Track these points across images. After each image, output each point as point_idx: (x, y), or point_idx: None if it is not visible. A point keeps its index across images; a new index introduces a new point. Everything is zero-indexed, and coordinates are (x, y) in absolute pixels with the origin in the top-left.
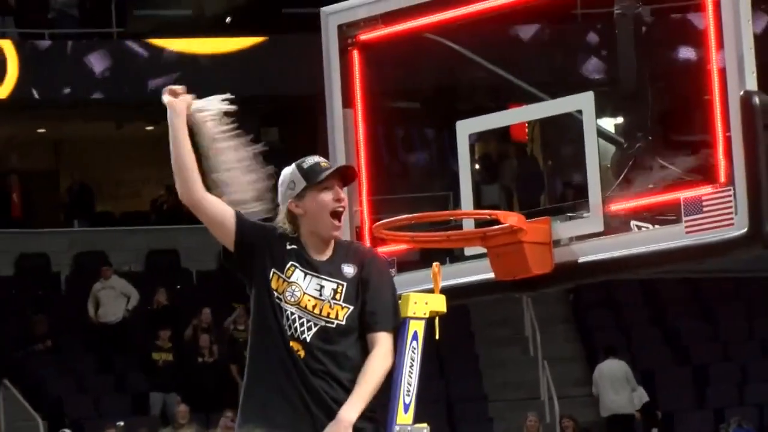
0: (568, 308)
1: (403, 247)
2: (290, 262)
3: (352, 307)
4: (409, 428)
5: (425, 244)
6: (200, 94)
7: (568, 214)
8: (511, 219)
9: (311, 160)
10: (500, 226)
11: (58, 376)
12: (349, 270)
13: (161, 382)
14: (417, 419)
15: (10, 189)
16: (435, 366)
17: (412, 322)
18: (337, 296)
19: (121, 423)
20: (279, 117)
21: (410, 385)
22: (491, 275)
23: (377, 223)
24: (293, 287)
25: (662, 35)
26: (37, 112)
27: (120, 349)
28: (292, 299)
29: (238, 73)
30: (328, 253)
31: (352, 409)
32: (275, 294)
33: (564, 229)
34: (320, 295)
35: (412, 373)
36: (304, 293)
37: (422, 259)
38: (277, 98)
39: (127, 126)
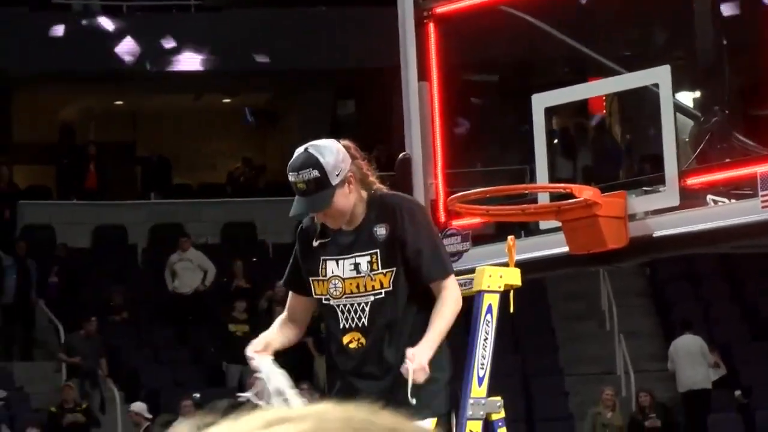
0: (645, 282)
1: (477, 220)
2: (321, 258)
3: (394, 269)
4: (483, 401)
5: (500, 217)
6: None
7: (644, 188)
8: (586, 193)
9: (290, 176)
10: (575, 200)
11: (135, 348)
12: (381, 231)
13: (238, 354)
14: (492, 392)
15: (88, 159)
16: (511, 340)
17: (486, 295)
18: (375, 266)
19: (197, 395)
20: (355, 90)
21: (484, 359)
22: (566, 249)
23: (452, 197)
24: (334, 281)
25: (740, 8)
26: (115, 84)
27: (196, 320)
28: (336, 292)
29: (315, 45)
30: (358, 220)
31: (424, 352)
32: (322, 299)
33: (640, 203)
34: (358, 272)
35: (486, 346)
36: (344, 279)
37: (497, 232)
38: (353, 71)
39: (205, 98)
